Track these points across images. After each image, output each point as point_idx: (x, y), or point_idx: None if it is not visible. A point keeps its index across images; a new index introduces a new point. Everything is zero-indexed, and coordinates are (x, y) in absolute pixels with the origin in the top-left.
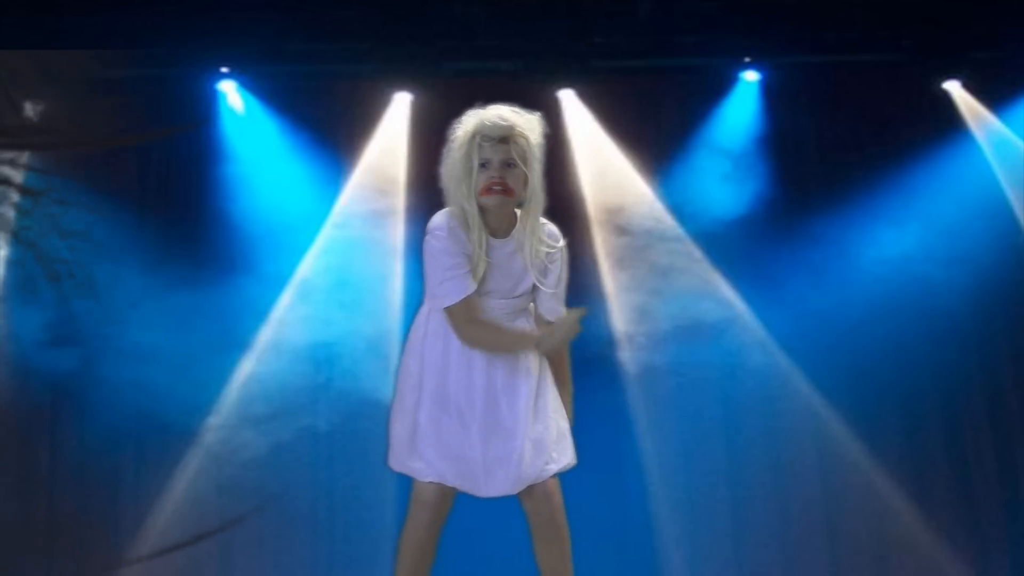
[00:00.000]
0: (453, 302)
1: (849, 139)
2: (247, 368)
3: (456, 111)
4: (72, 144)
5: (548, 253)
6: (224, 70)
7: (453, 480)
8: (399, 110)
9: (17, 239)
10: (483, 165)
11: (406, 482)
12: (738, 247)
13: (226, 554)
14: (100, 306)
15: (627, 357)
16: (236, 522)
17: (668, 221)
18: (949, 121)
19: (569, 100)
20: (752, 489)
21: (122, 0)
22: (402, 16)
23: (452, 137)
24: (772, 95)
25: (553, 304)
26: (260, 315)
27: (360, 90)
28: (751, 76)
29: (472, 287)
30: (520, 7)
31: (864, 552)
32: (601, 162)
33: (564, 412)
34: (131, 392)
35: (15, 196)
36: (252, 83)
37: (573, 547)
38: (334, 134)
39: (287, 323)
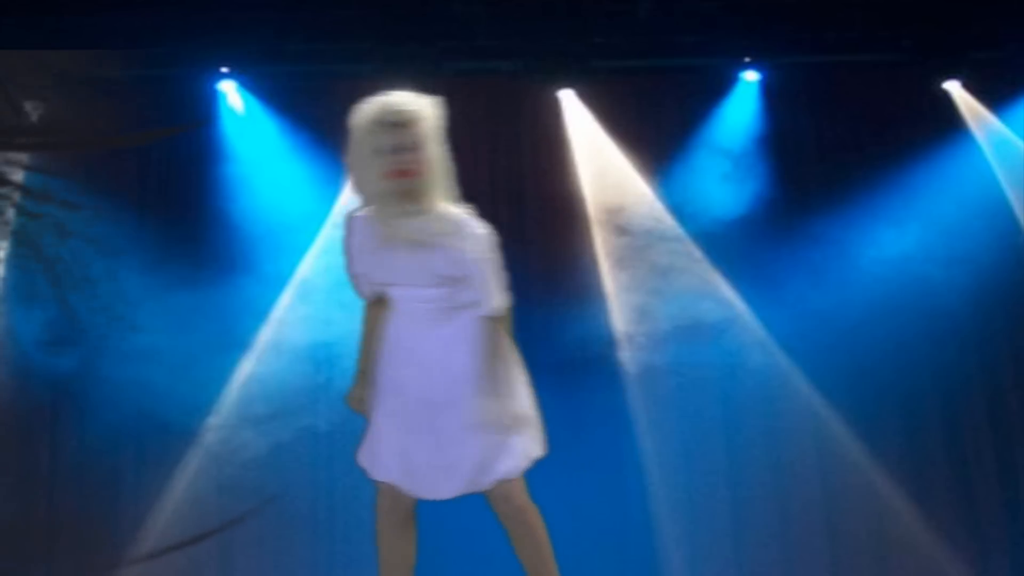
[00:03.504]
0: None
1: (849, 139)
2: (247, 368)
3: (456, 111)
4: (72, 144)
5: (454, 238)
6: (224, 70)
7: (399, 479)
8: None
9: (17, 239)
10: (382, 151)
11: None
12: (738, 247)
13: (226, 554)
14: (100, 306)
15: (627, 357)
16: (236, 522)
17: (668, 221)
18: (949, 121)
19: (569, 100)
20: (752, 489)
21: (122, 0)
22: (402, 16)
23: (351, 127)
24: (772, 95)
25: (480, 298)
26: (260, 315)
27: (360, 90)
28: (751, 76)
29: (363, 293)
30: (520, 7)
31: (864, 552)
32: (601, 162)
33: (524, 407)
34: (131, 392)
35: (15, 196)
36: (252, 83)
37: (574, 547)
38: (334, 134)
39: (287, 323)
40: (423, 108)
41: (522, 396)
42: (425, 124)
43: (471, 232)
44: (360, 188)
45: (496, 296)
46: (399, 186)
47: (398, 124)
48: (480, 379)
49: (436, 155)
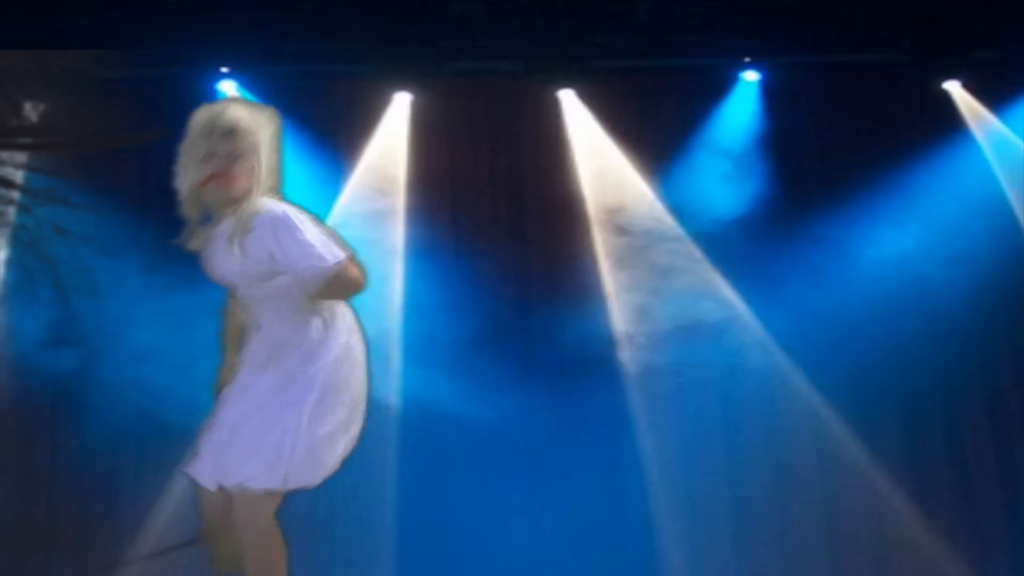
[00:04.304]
0: None
1: (849, 139)
2: None
3: (456, 111)
4: (72, 144)
5: (250, 234)
6: (224, 70)
7: None
8: (399, 110)
9: (17, 239)
10: (209, 156)
11: (406, 482)
12: (738, 247)
13: None
14: (100, 306)
15: (627, 357)
16: None
17: (668, 221)
18: (949, 121)
19: (569, 100)
20: (752, 489)
21: (122, 0)
22: (402, 16)
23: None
24: (772, 95)
25: (299, 278)
26: None
27: (360, 90)
28: (751, 76)
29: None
30: (520, 7)
31: (864, 552)
32: (601, 162)
33: (291, 431)
34: (131, 392)
35: (15, 196)
36: (252, 83)
37: (574, 547)
38: (334, 134)
39: None
40: (252, 117)
41: (272, 419)
42: (253, 133)
43: (263, 227)
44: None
45: (307, 266)
46: (209, 195)
47: (224, 132)
48: (245, 383)
49: (260, 165)
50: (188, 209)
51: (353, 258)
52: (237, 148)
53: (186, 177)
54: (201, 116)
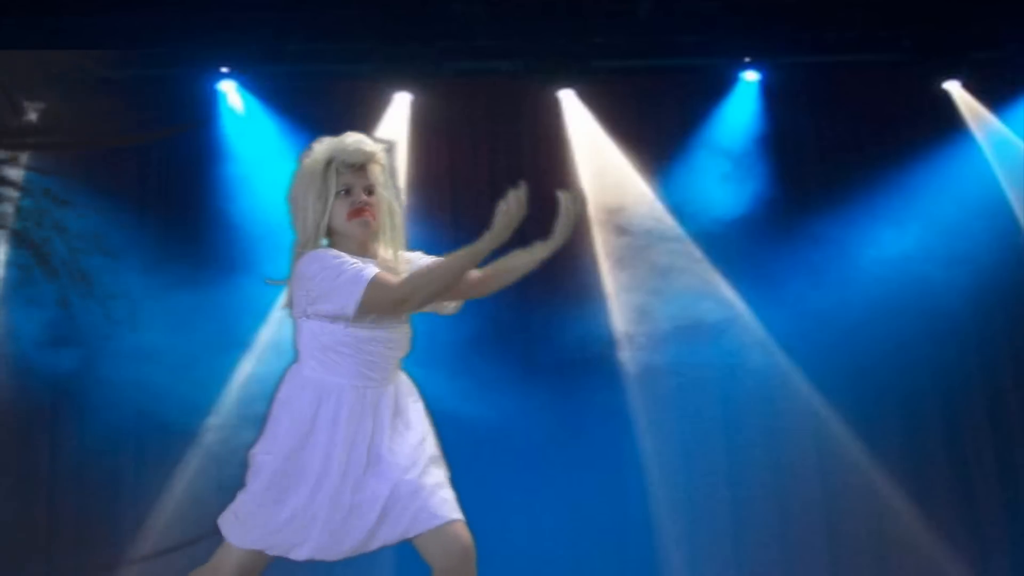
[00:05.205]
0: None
1: (849, 139)
2: (247, 368)
3: (456, 111)
4: (72, 144)
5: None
6: (224, 70)
7: None
8: (399, 110)
9: (17, 239)
10: (345, 192)
11: None
12: (738, 247)
13: None
14: (100, 306)
15: (627, 357)
16: None
17: (668, 221)
18: (949, 121)
19: (569, 100)
20: (752, 489)
21: (122, 0)
22: (402, 16)
23: (302, 164)
24: (772, 95)
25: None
26: (260, 315)
27: (360, 90)
28: (751, 76)
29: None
30: (520, 7)
31: (864, 552)
32: (601, 162)
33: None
34: (131, 392)
35: (15, 196)
36: (252, 83)
37: (574, 547)
38: (334, 134)
39: (287, 323)
40: (382, 151)
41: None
42: (383, 167)
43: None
44: (303, 227)
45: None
46: (359, 228)
47: (359, 166)
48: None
49: (393, 197)
50: (318, 238)
51: None
52: (369, 182)
53: (312, 214)
54: (325, 149)
